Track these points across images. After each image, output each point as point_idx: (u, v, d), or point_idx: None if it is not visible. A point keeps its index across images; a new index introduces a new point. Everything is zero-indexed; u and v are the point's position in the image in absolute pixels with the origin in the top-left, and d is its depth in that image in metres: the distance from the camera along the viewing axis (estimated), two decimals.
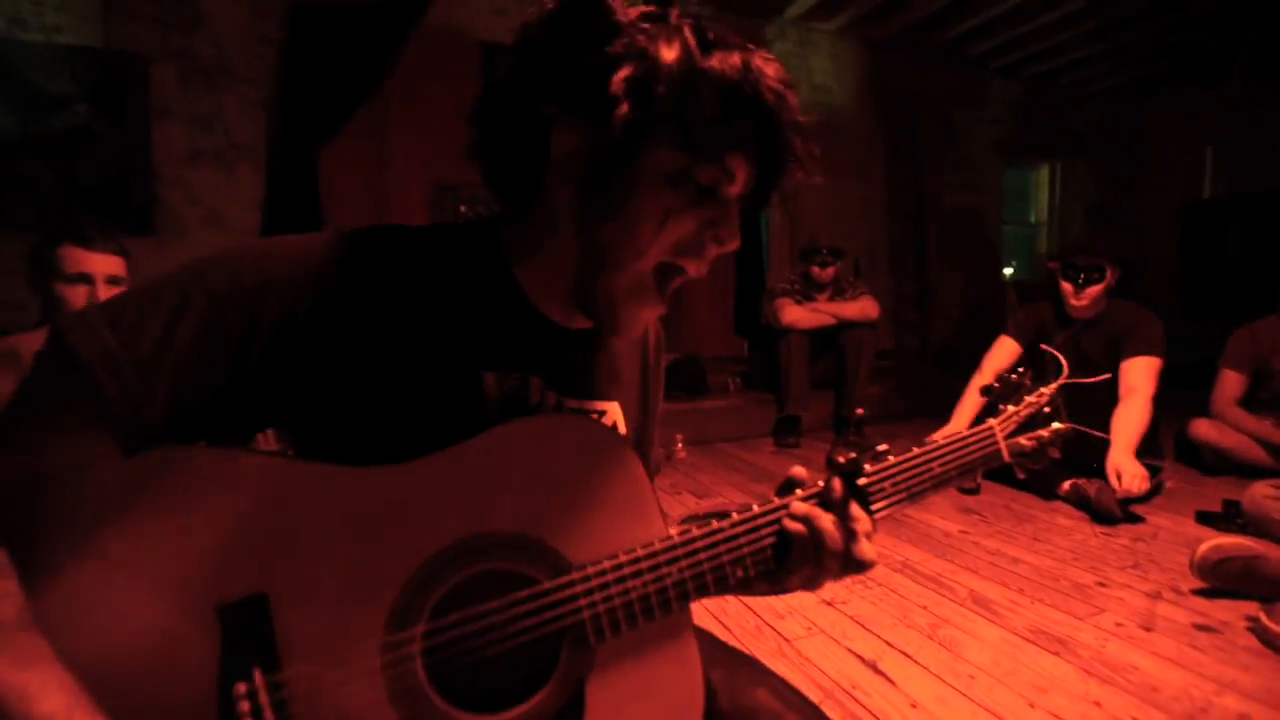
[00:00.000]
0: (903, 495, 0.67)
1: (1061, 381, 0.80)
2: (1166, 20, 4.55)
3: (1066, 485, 2.32)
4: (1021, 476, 0.82)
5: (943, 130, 5.48)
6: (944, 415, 2.58)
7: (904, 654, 1.34)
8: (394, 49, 3.66)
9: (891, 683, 1.24)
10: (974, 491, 2.47)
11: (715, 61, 0.52)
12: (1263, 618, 1.38)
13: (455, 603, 0.52)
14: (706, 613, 1.51)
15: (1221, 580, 1.58)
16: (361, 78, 3.62)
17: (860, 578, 1.73)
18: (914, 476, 0.68)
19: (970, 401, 2.63)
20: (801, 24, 4.93)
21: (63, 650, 0.41)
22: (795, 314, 3.48)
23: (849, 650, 1.36)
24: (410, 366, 0.56)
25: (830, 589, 1.66)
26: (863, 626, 1.46)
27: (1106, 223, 6.11)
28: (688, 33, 0.53)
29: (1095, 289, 2.43)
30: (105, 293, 1.80)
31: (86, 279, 1.74)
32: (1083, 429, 0.85)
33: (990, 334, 2.84)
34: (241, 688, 0.45)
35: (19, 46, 3.09)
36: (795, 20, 4.88)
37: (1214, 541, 1.62)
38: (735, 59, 0.53)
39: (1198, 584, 1.62)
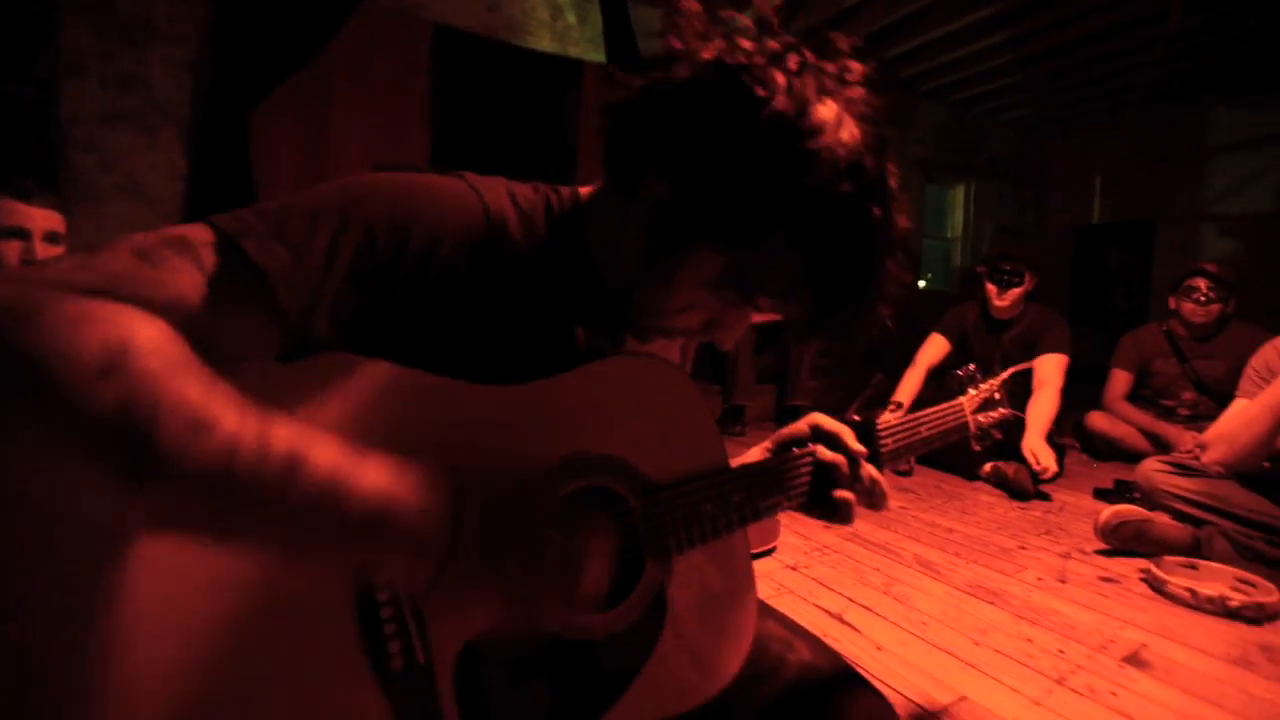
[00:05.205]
0: (902, 448, 0.81)
1: (1008, 374, 1.00)
2: (1073, 58, 5.05)
3: (988, 467, 2.57)
4: (977, 448, 0.99)
5: None
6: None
7: (865, 607, 1.47)
8: (339, 15, 3.52)
9: (857, 631, 1.37)
10: (908, 473, 2.69)
11: None
12: (1153, 569, 1.61)
13: None
14: None
15: (1119, 541, 1.83)
16: (301, 41, 3.44)
17: (818, 546, 1.87)
18: (910, 435, 0.82)
19: (911, 381, 2.88)
20: None
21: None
22: None
23: (816, 606, 1.48)
24: (519, 313, 0.60)
25: (793, 555, 1.79)
26: (825, 586, 1.59)
27: (1015, 238, 6.71)
28: None
29: (1016, 291, 2.72)
30: (43, 250, 1.67)
31: (23, 234, 1.62)
32: (1022, 415, 1.02)
33: (911, 335, 3.09)
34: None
35: None
36: None
37: (1113, 509, 1.87)
38: None
39: (1100, 545, 1.87)
